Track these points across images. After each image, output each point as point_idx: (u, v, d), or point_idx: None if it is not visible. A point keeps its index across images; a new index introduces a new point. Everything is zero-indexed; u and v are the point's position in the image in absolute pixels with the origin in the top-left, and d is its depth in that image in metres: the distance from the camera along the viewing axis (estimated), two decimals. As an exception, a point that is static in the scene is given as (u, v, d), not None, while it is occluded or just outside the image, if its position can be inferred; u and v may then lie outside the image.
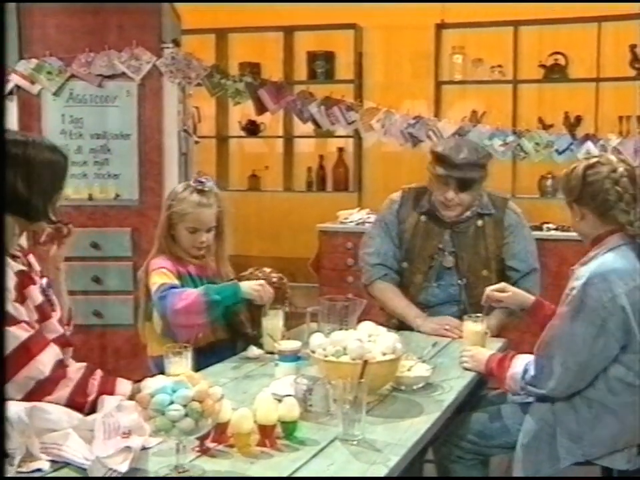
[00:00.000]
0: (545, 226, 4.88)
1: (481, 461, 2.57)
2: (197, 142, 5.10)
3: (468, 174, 3.04)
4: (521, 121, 5.90)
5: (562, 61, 5.97)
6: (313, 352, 2.24)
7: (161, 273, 2.72)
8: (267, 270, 2.91)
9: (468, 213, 3.18)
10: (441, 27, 6.15)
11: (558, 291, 2.70)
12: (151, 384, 1.74)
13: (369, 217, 5.07)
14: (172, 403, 1.69)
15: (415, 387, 2.33)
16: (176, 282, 2.71)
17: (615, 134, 4.94)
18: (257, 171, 6.64)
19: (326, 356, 2.20)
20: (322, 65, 6.36)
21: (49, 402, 1.92)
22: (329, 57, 6.40)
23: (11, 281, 2.02)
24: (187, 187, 2.82)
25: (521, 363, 2.37)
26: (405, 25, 6.06)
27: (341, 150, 6.48)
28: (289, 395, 2.00)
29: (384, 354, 2.19)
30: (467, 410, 2.56)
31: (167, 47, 4.50)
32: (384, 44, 6.37)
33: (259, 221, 6.43)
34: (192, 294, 2.63)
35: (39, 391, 1.96)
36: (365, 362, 1.99)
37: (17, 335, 1.96)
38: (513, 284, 2.97)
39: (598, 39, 5.79)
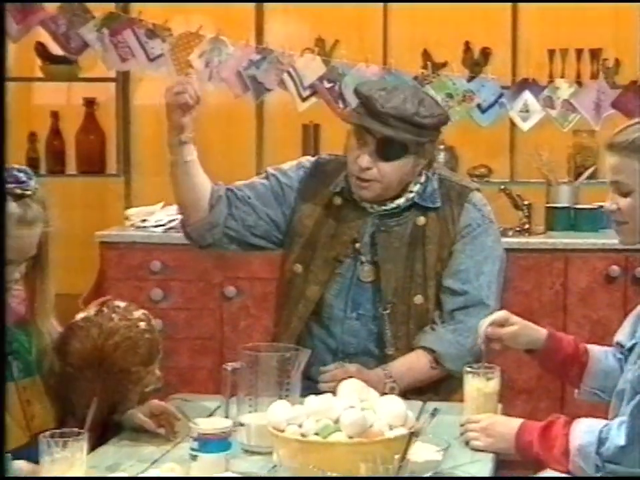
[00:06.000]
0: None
1: None
2: None
3: (395, 131, 3.31)
4: (394, 55, 6.18)
5: (459, -40, 6.34)
6: (281, 431, 2.40)
7: None
8: (121, 305, 2.95)
9: (400, 201, 3.44)
10: None
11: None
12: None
13: (178, 218, 5.14)
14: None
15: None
16: None
17: (568, 81, 5.40)
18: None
19: (304, 435, 2.38)
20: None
21: None
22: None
23: None
24: None
25: (589, 430, 2.65)
26: None
27: (91, 103, 6.41)
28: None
29: (391, 427, 2.40)
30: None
31: None
32: None
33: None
34: None
35: None
36: (412, 433, 2.20)
37: None
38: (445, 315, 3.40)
39: None
